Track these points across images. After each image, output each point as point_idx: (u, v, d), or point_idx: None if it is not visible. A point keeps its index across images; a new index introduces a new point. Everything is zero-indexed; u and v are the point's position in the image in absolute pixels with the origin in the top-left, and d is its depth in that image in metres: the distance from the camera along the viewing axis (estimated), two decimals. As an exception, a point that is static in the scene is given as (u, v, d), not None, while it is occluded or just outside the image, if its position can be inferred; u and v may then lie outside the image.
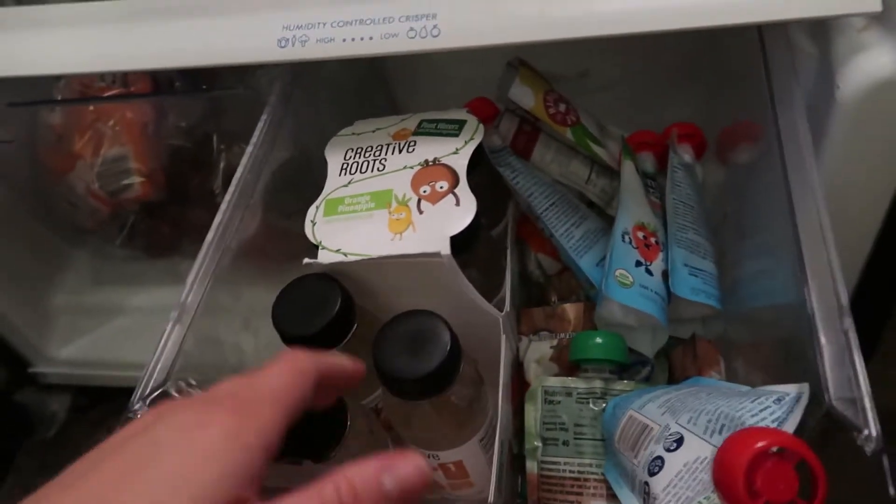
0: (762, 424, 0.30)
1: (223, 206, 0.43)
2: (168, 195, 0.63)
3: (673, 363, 0.52)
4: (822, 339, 0.31)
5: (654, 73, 0.65)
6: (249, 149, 0.46)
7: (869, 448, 0.28)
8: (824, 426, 0.30)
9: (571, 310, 0.51)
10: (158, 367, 0.37)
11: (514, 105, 0.56)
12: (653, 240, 0.50)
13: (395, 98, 0.69)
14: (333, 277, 0.43)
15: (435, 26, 0.43)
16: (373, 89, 0.69)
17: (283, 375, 0.27)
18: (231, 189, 0.44)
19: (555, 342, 0.51)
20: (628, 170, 0.53)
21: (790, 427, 0.30)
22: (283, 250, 0.47)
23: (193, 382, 0.37)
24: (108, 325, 0.76)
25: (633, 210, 0.50)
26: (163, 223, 0.66)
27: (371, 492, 0.23)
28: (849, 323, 0.31)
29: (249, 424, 0.24)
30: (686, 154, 0.59)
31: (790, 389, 0.32)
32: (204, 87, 0.55)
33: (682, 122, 0.60)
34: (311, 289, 0.42)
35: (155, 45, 0.47)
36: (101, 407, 0.78)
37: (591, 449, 0.47)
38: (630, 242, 0.49)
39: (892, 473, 0.28)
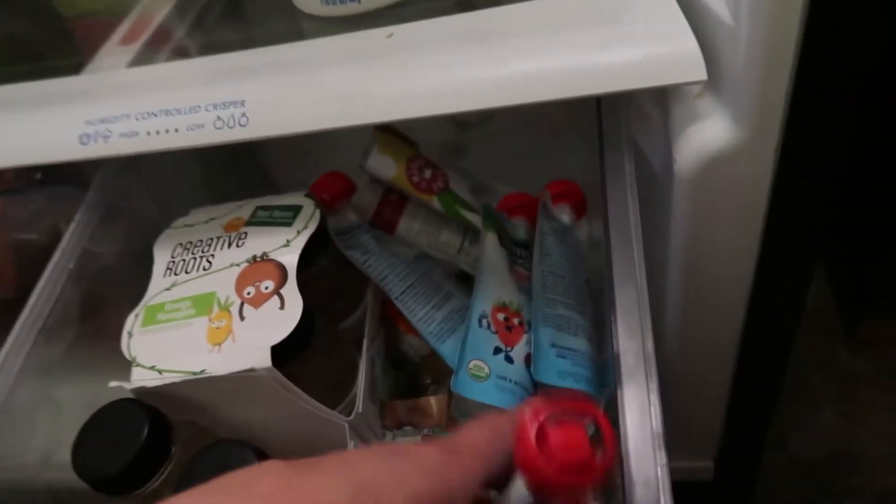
0: None
1: (18, 326, 0.39)
2: (22, 293, 0.59)
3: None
4: (634, 477, 0.27)
5: (533, 132, 0.62)
6: (57, 254, 0.42)
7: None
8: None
9: (435, 402, 0.47)
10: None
11: (375, 176, 0.53)
12: (515, 321, 0.47)
13: (266, 167, 0.65)
14: (145, 404, 0.39)
15: (243, 114, 0.40)
16: (242, 159, 0.65)
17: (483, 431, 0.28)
18: (30, 302, 0.40)
19: (418, 438, 0.47)
20: (489, 244, 0.49)
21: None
22: (102, 362, 0.43)
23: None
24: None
25: (492, 289, 0.47)
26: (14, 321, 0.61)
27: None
28: (662, 458, 0.27)
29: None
30: (563, 214, 0.55)
31: None
32: (38, 176, 0.51)
33: (557, 180, 0.56)
34: (116, 419, 0.38)
35: (-49, 146, 0.43)
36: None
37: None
38: (489, 327, 0.45)
39: None
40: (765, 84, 0.33)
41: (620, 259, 0.34)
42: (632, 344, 0.32)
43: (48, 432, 0.38)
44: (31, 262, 0.59)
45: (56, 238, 0.58)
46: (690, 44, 0.35)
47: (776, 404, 0.60)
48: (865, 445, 0.80)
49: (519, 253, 0.52)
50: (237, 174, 0.64)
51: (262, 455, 0.37)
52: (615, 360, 0.33)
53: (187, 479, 0.36)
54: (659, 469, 0.27)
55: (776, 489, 0.74)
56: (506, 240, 0.52)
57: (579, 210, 0.57)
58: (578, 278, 0.52)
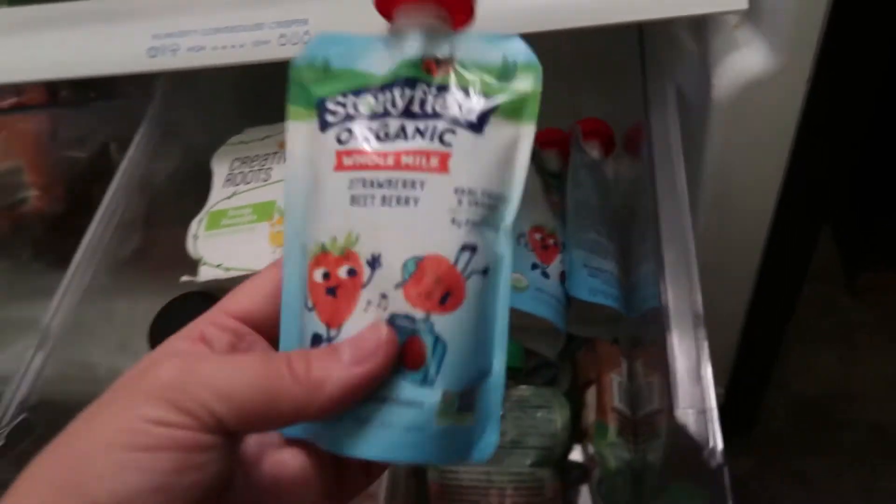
0: None
1: (93, 224, 0.42)
2: (68, 207, 0.62)
3: (577, 365, 0.52)
4: (676, 350, 0.30)
5: (563, 68, 0.65)
6: (124, 162, 0.45)
7: (713, 462, 0.28)
8: (674, 439, 0.30)
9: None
10: (17, 396, 0.36)
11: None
12: (551, 241, 0.50)
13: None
14: (214, 295, 0.42)
15: (306, 32, 0.42)
16: (279, 87, 0.67)
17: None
18: (103, 204, 0.43)
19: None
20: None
21: None
22: (166, 263, 0.46)
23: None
24: (24, 339, 0.74)
25: (529, 212, 0.50)
26: (68, 235, 0.64)
27: (318, 352, 0.23)
28: (702, 333, 0.31)
29: None
30: (592, 150, 0.58)
31: None
32: (92, 95, 0.54)
33: (588, 118, 0.59)
34: (189, 308, 0.41)
35: (22, 56, 0.45)
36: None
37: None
38: (526, 245, 0.48)
39: (734, 487, 0.28)
40: (802, 14, 0.36)
41: (667, 196, 0.36)
42: (680, 293, 0.33)
43: (123, 322, 0.42)
44: (79, 179, 0.62)
45: (104, 157, 0.60)
46: (734, -25, 0.38)
47: (783, 339, 0.64)
48: (861, 385, 0.84)
49: (552, 183, 0.55)
50: (274, 105, 0.66)
51: None
52: (664, 304, 0.33)
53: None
54: (712, 413, 0.28)
55: (776, 421, 0.79)
56: (541, 169, 0.54)
57: (608, 147, 0.60)
58: (606, 209, 0.55)
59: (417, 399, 0.23)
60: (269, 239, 0.43)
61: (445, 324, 0.24)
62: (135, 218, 0.44)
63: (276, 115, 0.53)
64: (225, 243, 0.43)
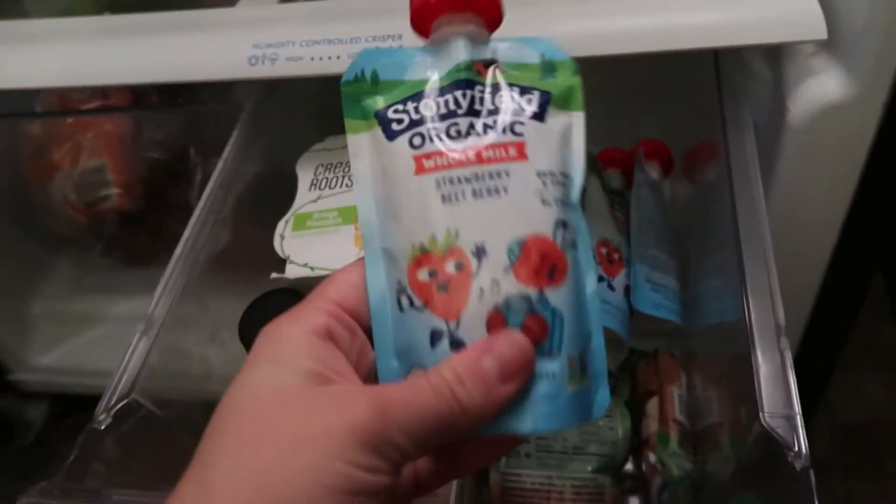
0: None
1: (192, 221, 0.44)
2: (146, 206, 0.64)
3: (637, 377, 0.53)
4: (759, 358, 0.32)
5: (625, 91, 0.67)
6: (220, 164, 0.47)
7: (798, 465, 0.29)
8: (761, 444, 0.31)
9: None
10: (124, 378, 0.38)
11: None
12: (616, 256, 0.51)
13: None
14: (300, 292, 0.44)
15: (400, 46, 0.45)
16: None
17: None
18: (201, 203, 0.45)
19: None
20: (593, 187, 0.54)
21: None
22: (252, 262, 0.48)
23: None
24: (87, 333, 0.77)
25: (596, 227, 0.52)
26: (141, 233, 0.67)
27: (473, 374, 0.24)
28: (785, 343, 0.32)
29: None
30: (653, 171, 0.60)
31: None
32: (181, 101, 0.56)
33: (649, 139, 0.61)
34: (277, 303, 0.43)
35: (130, 61, 0.48)
36: (77, 415, 0.78)
37: (553, 461, 0.48)
38: (593, 258, 0.50)
39: (819, 491, 0.29)
40: (882, 43, 0.38)
41: (746, 213, 0.37)
42: (763, 303, 0.34)
43: (214, 314, 0.44)
44: (157, 180, 0.65)
45: (183, 160, 0.63)
46: (812, 5, 0.40)
47: (834, 367, 0.65)
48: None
49: (616, 200, 0.57)
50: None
51: None
52: (747, 313, 0.34)
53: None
54: (798, 419, 0.30)
55: (821, 446, 0.80)
56: (605, 187, 0.56)
57: (667, 168, 0.62)
58: (667, 227, 0.57)
59: (549, 370, 0.25)
60: (353, 241, 0.45)
61: (558, 296, 0.25)
62: (225, 218, 0.47)
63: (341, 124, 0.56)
64: (311, 244, 0.46)
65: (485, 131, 0.27)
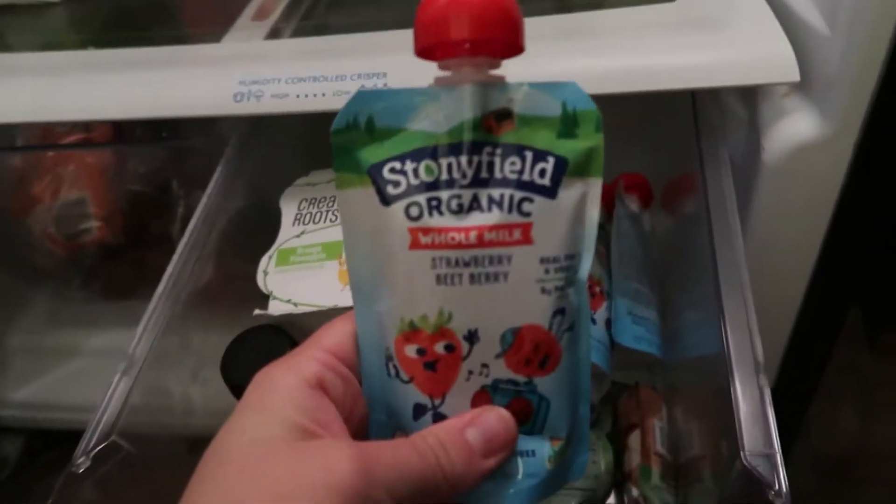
0: None
1: (175, 257, 0.44)
2: (126, 239, 0.64)
3: (618, 409, 0.54)
4: (739, 396, 0.32)
5: (605, 126, 0.68)
6: (204, 199, 0.47)
7: (779, 503, 0.29)
8: (742, 482, 0.32)
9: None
10: (104, 420, 0.38)
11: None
12: (597, 289, 0.52)
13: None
14: (283, 329, 0.44)
15: (385, 84, 0.45)
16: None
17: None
18: (184, 239, 0.45)
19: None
20: (575, 221, 0.55)
21: None
22: (236, 297, 0.48)
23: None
24: (65, 367, 0.76)
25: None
26: (121, 266, 0.66)
27: (457, 444, 0.24)
28: (764, 380, 0.33)
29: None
30: (633, 204, 0.61)
31: None
32: (164, 135, 0.57)
33: (629, 172, 0.62)
34: (260, 341, 0.43)
35: (113, 96, 0.48)
36: (55, 450, 0.77)
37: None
38: (575, 292, 0.51)
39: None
40: (854, 86, 0.39)
41: (724, 248, 0.38)
42: (742, 339, 0.34)
43: (196, 351, 0.44)
44: (139, 213, 0.65)
45: (166, 193, 0.63)
46: (786, 49, 0.41)
47: (812, 399, 0.65)
48: (881, 443, 0.86)
49: (598, 233, 0.58)
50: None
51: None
52: (727, 350, 0.34)
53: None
54: (777, 457, 0.30)
55: (800, 477, 0.81)
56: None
57: (647, 201, 0.63)
58: (647, 260, 0.57)
59: (530, 448, 0.25)
60: (338, 276, 0.45)
61: (547, 384, 0.25)
62: (208, 253, 0.46)
63: (324, 158, 0.56)
64: (294, 280, 0.46)
65: (489, 208, 0.24)
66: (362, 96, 0.25)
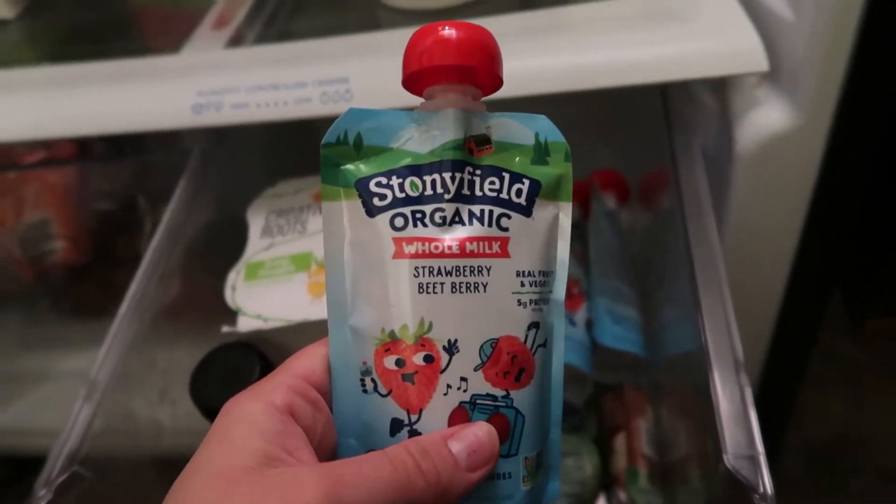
0: None
1: (138, 275, 0.43)
2: (95, 258, 0.62)
3: (603, 411, 0.53)
4: (720, 397, 0.32)
5: (575, 123, 0.67)
6: (166, 214, 0.46)
7: (764, 504, 0.29)
8: (727, 483, 0.31)
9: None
10: (65, 449, 0.36)
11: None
12: (576, 290, 0.51)
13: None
14: (253, 345, 0.43)
15: (347, 90, 0.44)
16: (306, 145, 0.69)
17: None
18: (147, 256, 0.44)
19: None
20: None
21: None
22: (204, 313, 0.46)
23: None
24: (36, 391, 0.74)
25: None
26: (91, 286, 0.65)
27: (440, 454, 0.23)
28: (745, 379, 0.32)
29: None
30: (609, 201, 0.60)
31: None
32: (127, 150, 0.55)
33: (604, 169, 0.61)
34: (229, 359, 0.42)
35: (70, 112, 0.47)
36: (30, 478, 0.75)
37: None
38: (553, 294, 0.50)
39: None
40: (823, 73, 0.38)
41: (699, 245, 0.37)
42: (721, 338, 0.33)
43: (162, 372, 0.42)
44: (105, 231, 0.63)
45: (132, 209, 0.61)
46: (753, 39, 0.40)
47: (799, 388, 0.65)
48: (868, 430, 0.86)
49: (574, 233, 0.57)
50: (302, 161, 0.68)
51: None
52: (705, 350, 0.33)
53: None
54: (761, 458, 0.29)
55: (791, 466, 0.80)
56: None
57: (623, 197, 0.62)
58: (625, 257, 0.56)
59: (506, 470, 0.25)
60: (307, 289, 0.44)
61: (522, 398, 0.25)
62: (173, 269, 0.45)
63: (304, 168, 0.55)
64: (263, 294, 0.44)
65: (471, 221, 0.25)
66: (353, 114, 0.26)
